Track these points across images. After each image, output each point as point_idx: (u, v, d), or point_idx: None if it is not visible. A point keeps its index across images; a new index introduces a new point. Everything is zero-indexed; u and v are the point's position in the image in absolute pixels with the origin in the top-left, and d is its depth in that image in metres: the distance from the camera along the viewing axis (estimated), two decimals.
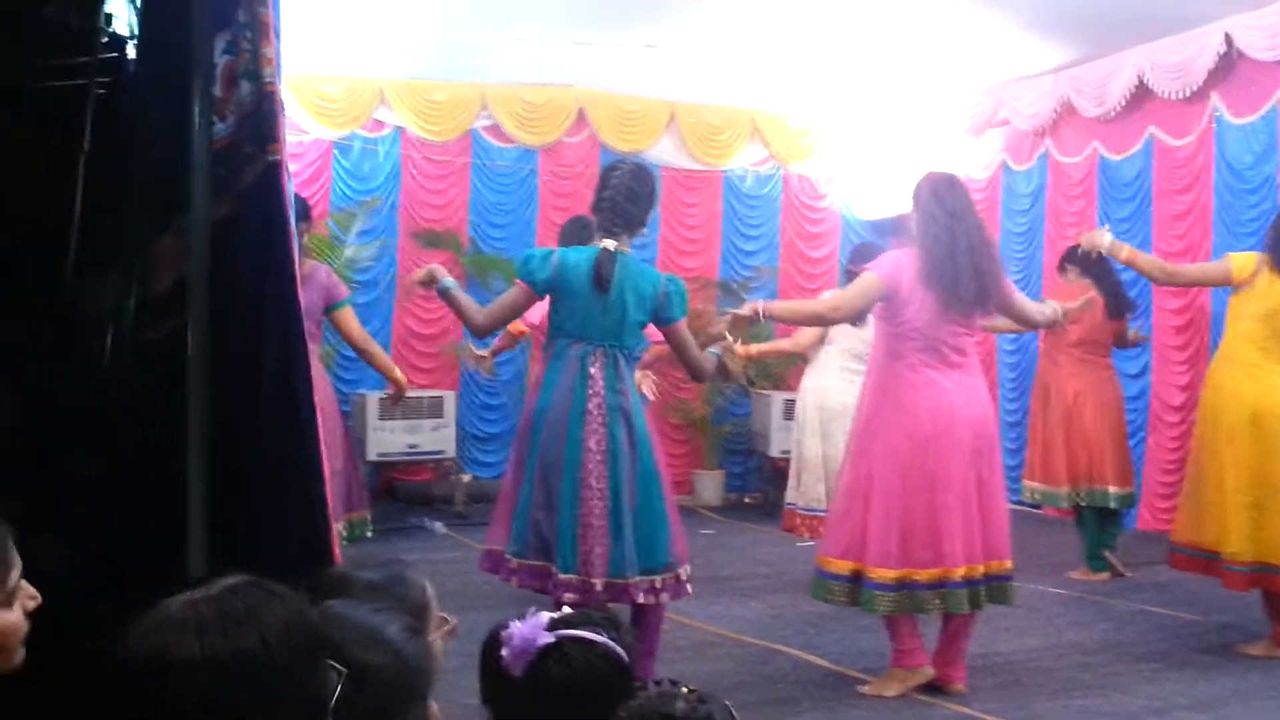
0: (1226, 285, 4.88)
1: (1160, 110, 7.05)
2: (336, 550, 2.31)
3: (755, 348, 5.93)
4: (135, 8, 2.73)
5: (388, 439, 7.45)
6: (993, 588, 4.16)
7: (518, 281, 3.94)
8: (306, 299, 4.14)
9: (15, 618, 1.54)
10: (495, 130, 8.23)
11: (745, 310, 4.21)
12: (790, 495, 6.07)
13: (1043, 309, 4.57)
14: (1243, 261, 4.79)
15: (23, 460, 2.37)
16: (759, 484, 8.60)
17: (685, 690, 1.59)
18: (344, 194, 7.92)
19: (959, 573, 4.04)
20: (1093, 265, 5.83)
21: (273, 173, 2.36)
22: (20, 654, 1.55)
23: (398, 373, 5.35)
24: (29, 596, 1.58)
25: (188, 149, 2.38)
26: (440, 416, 7.61)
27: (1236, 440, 4.61)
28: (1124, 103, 7.16)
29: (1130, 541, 6.42)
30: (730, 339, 4.17)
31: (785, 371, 8.14)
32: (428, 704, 1.60)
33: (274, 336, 2.37)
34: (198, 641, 1.27)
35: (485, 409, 8.26)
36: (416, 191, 8.15)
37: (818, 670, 4.51)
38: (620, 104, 8.41)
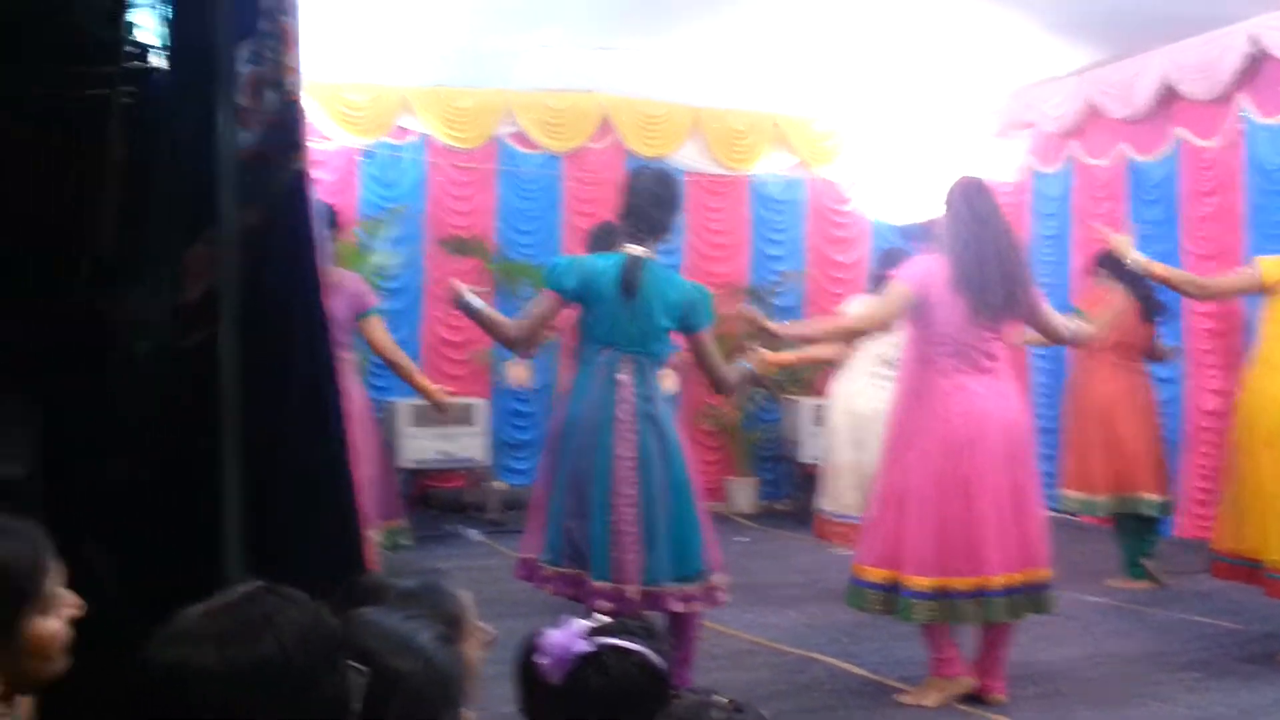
0: (1259, 292, 4.82)
1: (1187, 111, 6.98)
2: (371, 558, 2.30)
3: (787, 355, 5.87)
4: (161, 18, 2.74)
5: (419, 446, 7.45)
6: (1032, 596, 4.11)
7: (546, 290, 3.93)
8: (336, 307, 4.17)
9: (56, 626, 1.55)
10: (520, 137, 8.24)
11: (772, 330, 4.20)
12: (822, 502, 6.03)
13: (1069, 324, 4.51)
14: (1271, 265, 4.73)
15: (60, 470, 2.37)
16: (791, 490, 8.55)
17: (722, 699, 1.58)
18: (371, 202, 7.94)
19: (997, 581, 3.99)
20: (1124, 269, 5.77)
21: (299, 181, 2.36)
22: (63, 662, 1.56)
23: (424, 381, 5.35)
24: (71, 605, 1.58)
25: (215, 159, 2.38)
26: (471, 424, 7.61)
27: (1275, 444, 4.55)
28: (1150, 104, 7.09)
29: (1170, 549, 6.34)
30: (758, 349, 4.16)
31: (814, 377, 8.10)
32: (461, 712, 1.59)
33: (303, 345, 2.37)
34: (216, 651, 1.28)
35: (517, 416, 8.26)
36: (443, 198, 8.16)
37: (855, 679, 4.46)
38: (644, 109, 8.40)
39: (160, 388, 2.39)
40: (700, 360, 3.99)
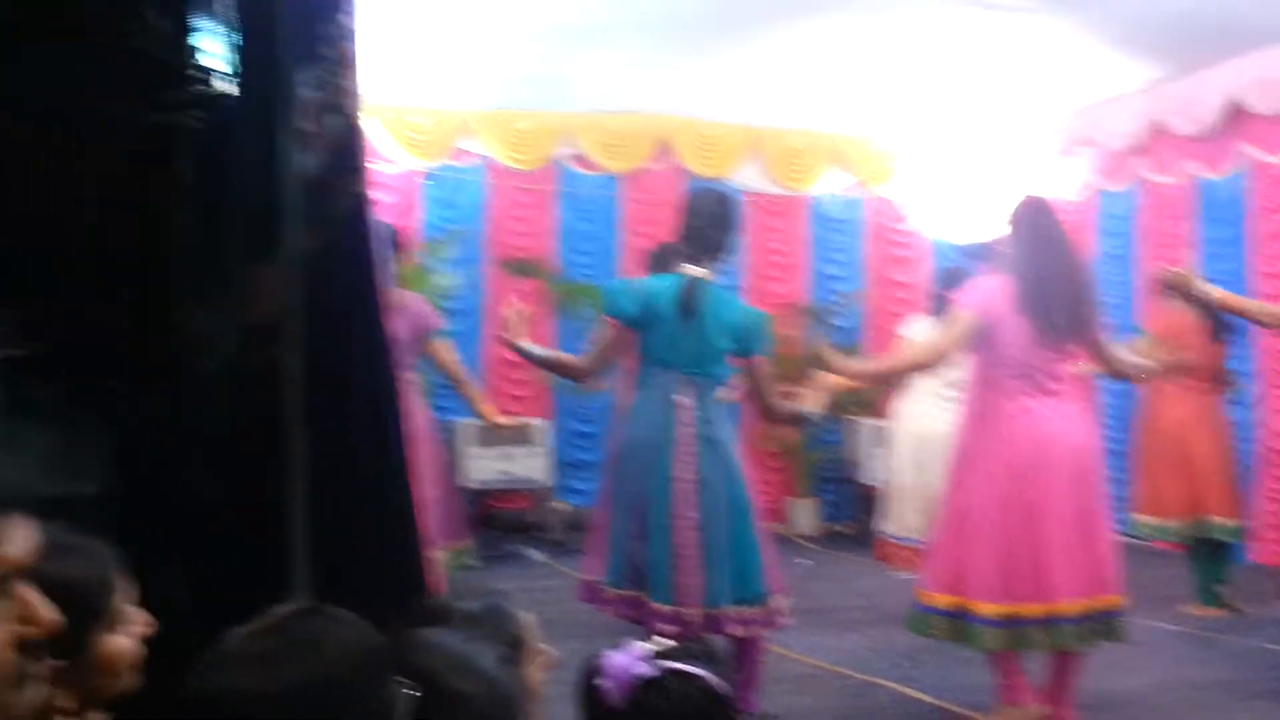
0: None
1: (1256, 127, 6.84)
2: (435, 579, 2.31)
3: (858, 366, 5.69)
4: (226, 43, 2.78)
5: (482, 466, 7.49)
6: (1103, 624, 4.02)
7: (609, 319, 3.93)
8: (399, 328, 4.20)
9: (126, 643, 1.57)
10: (579, 158, 8.29)
11: (840, 369, 4.16)
12: (884, 525, 5.96)
13: (1131, 359, 4.43)
14: None
15: (130, 487, 2.41)
16: (854, 512, 8.48)
17: None
18: (434, 223, 8.02)
19: (1067, 608, 3.92)
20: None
21: (359, 204, 2.39)
22: (133, 679, 1.58)
23: (486, 406, 5.37)
24: (139, 622, 1.60)
25: (278, 182, 2.41)
26: (534, 444, 7.63)
27: None
28: (1217, 121, 6.97)
29: (1247, 575, 6.20)
30: (822, 373, 4.12)
31: (877, 398, 8.03)
32: None
33: (364, 366, 2.39)
34: (262, 674, 1.29)
35: (580, 436, 8.27)
36: (503, 220, 8.23)
37: (918, 705, 4.40)
38: (702, 130, 8.41)
39: (227, 407, 2.42)
40: (753, 386, 3.97)
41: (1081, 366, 4.50)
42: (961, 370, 4.54)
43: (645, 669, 1.76)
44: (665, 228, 5.40)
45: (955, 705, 4.32)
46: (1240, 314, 4.92)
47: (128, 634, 1.57)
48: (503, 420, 5.27)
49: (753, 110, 8.19)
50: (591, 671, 1.80)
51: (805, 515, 8.50)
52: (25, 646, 1.01)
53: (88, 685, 1.50)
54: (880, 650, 5.14)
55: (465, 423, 7.34)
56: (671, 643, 1.89)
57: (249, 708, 1.27)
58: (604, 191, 8.39)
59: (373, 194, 2.48)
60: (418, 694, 1.40)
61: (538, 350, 4.09)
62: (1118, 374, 4.50)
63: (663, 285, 3.87)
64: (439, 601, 1.87)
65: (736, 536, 3.80)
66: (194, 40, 2.73)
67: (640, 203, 8.38)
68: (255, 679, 1.28)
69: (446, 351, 5.12)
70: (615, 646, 1.82)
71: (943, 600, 4.06)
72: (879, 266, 8.96)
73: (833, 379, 4.28)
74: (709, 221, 3.91)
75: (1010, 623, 3.92)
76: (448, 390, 6.09)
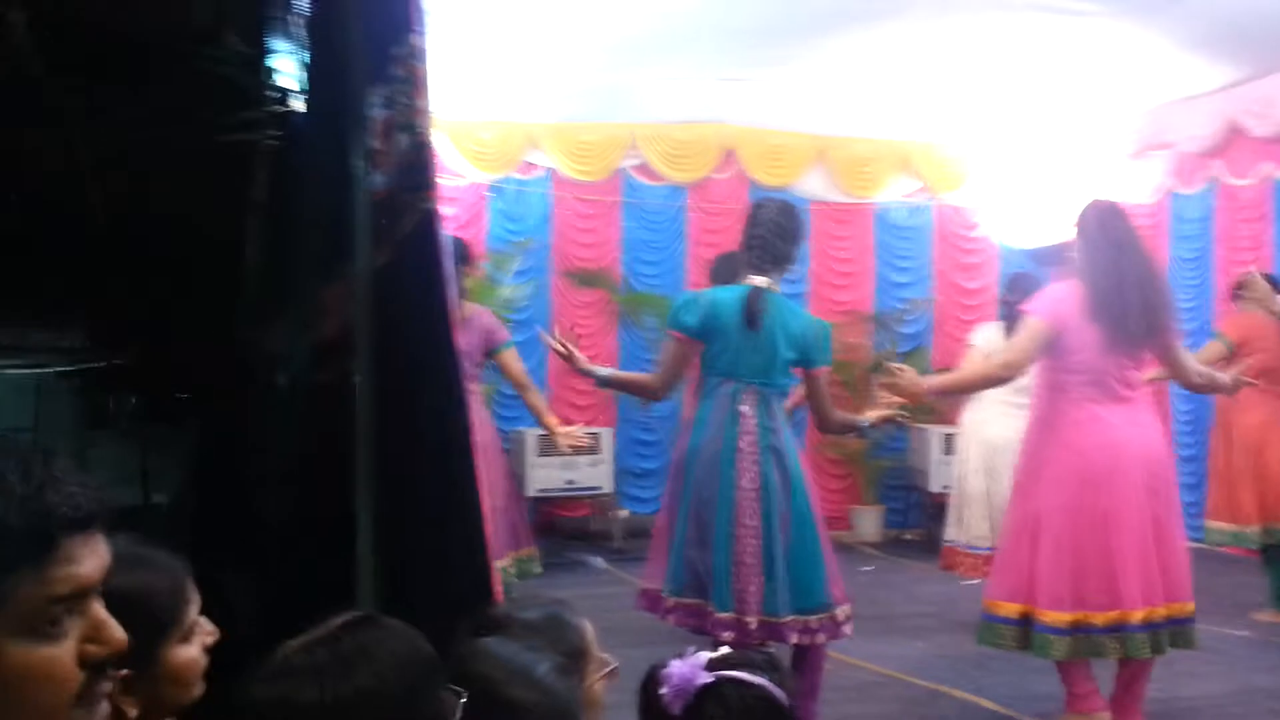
0: None
1: None
2: (498, 589, 2.34)
3: (930, 383, 4.89)
4: (300, 63, 2.85)
5: (546, 475, 7.56)
6: (1174, 631, 3.96)
7: (673, 333, 3.96)
8: (466, 341, 4.26)
9: (194, 653, 1.58)
10: (644, 169, 8.33)
11: (916, 384, 4.13)
12: (951, 532, 5.92)
13: (1202, 370, 4.35)
14: None
15: (203, 498, 2.47)
16: (920, 520, 8.41)
17: None
18: (499, 236, 8.11)
19: (1137, 616, 3.86)
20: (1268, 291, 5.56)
21: (429, 221, 2.42)
22: (199, 689, 1.60)
23: (550, 420, 5.41)
24: (207, 633, 1.62)
25: (350, 199, 2.47)
26: (597, 453, 7.68)
27: None
28: None
29: None
30: (895, 379, 4.09)
31: (944, 405, 7.97)
32: None
33: (432, 379, 2.43)
34: (317, 685, 1.31)
35: (642, 445, 8.31)
36: (568, 231, 8.29)
37: (985, 713, 4.37)
38: (767, 139, 8.41)
39: (297, 420, 2.48)
40: (812, 397, 3.98)
41: (1152, 373, 4.44)
42: (1031, 377, 4.49)
43: (705, 678, 1.78)
44: (731, 238, 5.42)
45: (1022, 714, 4.29)
46: None
47: (196, 645, 1.59)
48: (566, 440, 5.25)
49: (818, 118, 8.17)
50: (652, 680, 1.81)
51: (870, 522, 8.45)
52: (93, 665, 1.03)
53: (156, 695, 1.52)
54: (947, 657, 5.11)
55: (530, 431, 7.41)
56: (732, 651, 1.90)
57: (302, 718, 1.30)
58: (669, 202, 8.42)
59: (442, 209, 2.52)
60: (469, 703, 1.42)
61: (605, 372, 4.15)
62: (1188, 384, 4.43)
63: (727, 296, 3.90)
64: (499, 610, 1.90)
65: (799, 546, 3.80)
66: (268, 61, 2.80)
67: (705, 213, 8.40)
68: (308, 689, 1.31)
69: (514, 362, 5.18)
70: (677, 655, 1.84)
71: (1011, 609, 4.03)
72: (947, 273, 8.88)
73: (900, 392, 4.24)
74: (774, 232, 3.92)
75: (1078, 630, 3.88)
76: (512, 400, 6.15)
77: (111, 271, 2.55)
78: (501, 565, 4.69)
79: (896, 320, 8.60)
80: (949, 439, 7.07)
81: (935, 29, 6.39)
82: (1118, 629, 3.88)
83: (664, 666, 1.81)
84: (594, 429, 7.75)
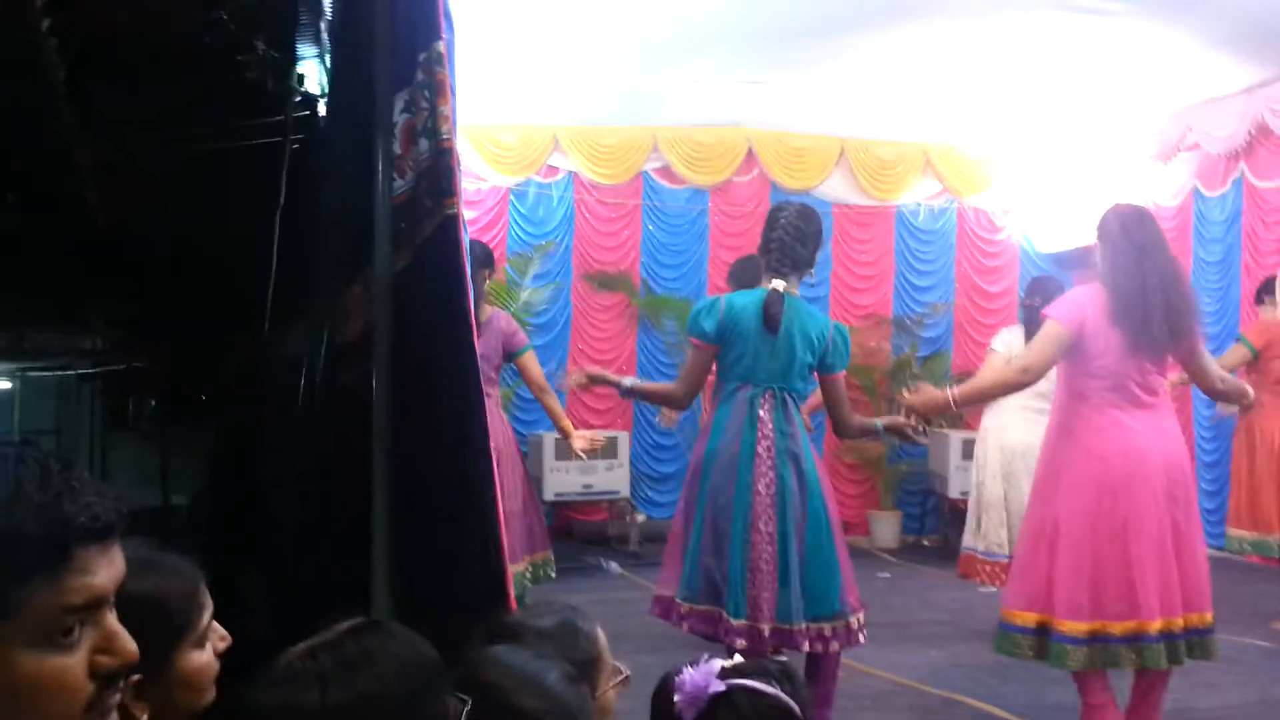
0: None
1: None
2: (511, 594, 2.35)
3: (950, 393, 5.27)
4: (325, 69, 2.87)
5: (563, 479, 7.58)
6: (1193, 642, 3.93)
7: (693, 340, 3.97)
8: (484, 345, 4.27)
9: (207, 658, 1.59)
10: (665, 172, 8.33)
11: (938, 398, 4.11)
12: (969, 539, 5.89)
13: (1225, 377, 4.30)
14: None
15: (220, 498, 2.49)
16: (937, 526, 8.38)
17: None
18: (520, 239, 8.13)
19: (1156, 626, 3.83)
20: None
21: (450, 225, 2.43)
22: (211, 694, 1.60)
23: (566, 424, 5.42)
24: (220, 637, 1.63)
25: (371, 204, 2.48)
26: (614, 457, 7.69)
27: None
28: None
29: None
30: (916, 389, 4.07)
31: (963, 411, 7.94)
32: None
33: (450, 383, 2.43)
34: (320, 691, 1.32)
35: (658, 449, 8.32)
36: (589, 234, 8.30)
37: None
38: (789, 142, 8.40)
39: (315, 422, 2.49)
40: (829, 400, 3.97)
41: (1174, 378, 4.41)
42: (1052, 382, 4.47)
43: (718, 685, 1.78)
44: (752, 241, 5.42)
45: None
46: None
47: (209, 651, 1.60)
48: (581, 443, 5.26)
49: (840, 121, 8.16)
50: (665, 687, 1.81)
51: (887, 528, 8.43)
52: (104, 676, 1.03)
53: (168, 700, 1.52)
54: (963, 666, 5.08)
55: (547, 435, 7.43)
56: (747, 660, 1.90)
57: None
58: (690, 205, 8.42)
59: (464, 214, 2.53)
60: (479, 711, 1.42)
61: (630, 382, 4.16)
62: (1209, 391, 4.39)
63: (745, 300, 3.89)
64: (513, 618, 1.91)
65: (815, 552, 3.79)
66: (296, 67, 2.82)
67: (727, 216, 8.40)
68: (310, 694, 1.32)
69: (532, 365, 5.19)
70: (691, 662, 1.84)
71: (1028, 618, 4.00)
72: (968, 276, 8.85)
73: (923, 408, 4.21)
74: (791, 235, 3.91)
75: (1096, 640, 3.85)
76: (531, 403, 6.16)
77: (132, 275, 2.58)
78: (517, 569, 4.70)
79: (917, 324, 8.58)
80: (968, 444, 7.04)
81: (957, 29, 6.37)
82: (1135, 639, 3.84)
83: (677, 674, 1.81)
84: (611, 433, 7.76)
